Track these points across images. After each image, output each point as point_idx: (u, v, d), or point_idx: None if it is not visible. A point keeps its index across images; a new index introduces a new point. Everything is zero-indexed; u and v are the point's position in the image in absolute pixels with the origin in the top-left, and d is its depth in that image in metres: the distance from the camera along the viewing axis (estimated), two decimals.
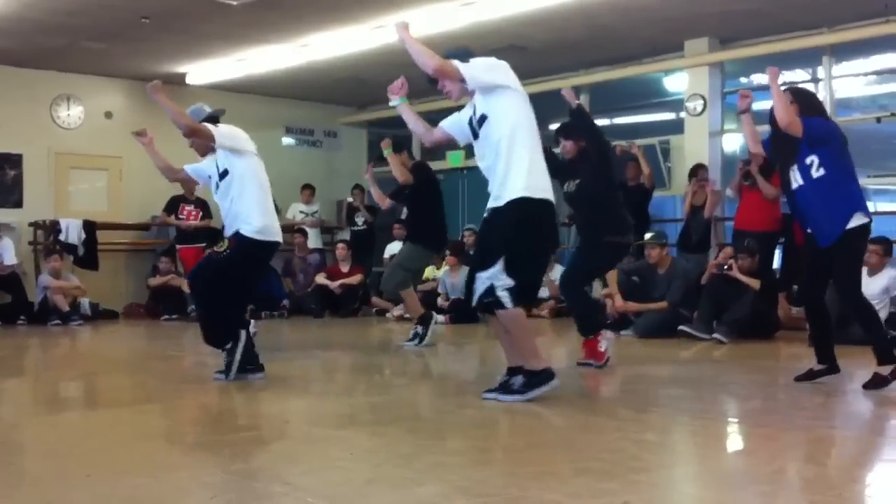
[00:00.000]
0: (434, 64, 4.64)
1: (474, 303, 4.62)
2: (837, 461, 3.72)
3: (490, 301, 4.56)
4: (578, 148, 6.24)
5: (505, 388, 4.68)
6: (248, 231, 5.46)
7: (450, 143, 5.30)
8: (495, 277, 4.52)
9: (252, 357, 5.58)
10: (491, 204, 4.70)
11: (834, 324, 6.69)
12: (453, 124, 4.97)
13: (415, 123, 5.14)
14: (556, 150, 6.38)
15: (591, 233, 6.21)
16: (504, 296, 4.51)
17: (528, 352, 4.67)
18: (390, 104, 5.19)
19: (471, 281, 4.66)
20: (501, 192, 4.60)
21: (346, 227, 13.02)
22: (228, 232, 5.59)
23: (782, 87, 5.16)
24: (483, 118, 4.67)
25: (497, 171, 4.61)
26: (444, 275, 10.78)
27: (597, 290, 10.11)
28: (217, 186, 5.59)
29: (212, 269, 5.52)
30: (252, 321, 6.90)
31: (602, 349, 6.02)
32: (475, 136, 4.76)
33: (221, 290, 5.49)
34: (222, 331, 5.52)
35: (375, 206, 12.75)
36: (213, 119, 5.62)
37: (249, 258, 5.57)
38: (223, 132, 5.50)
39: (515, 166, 4.56)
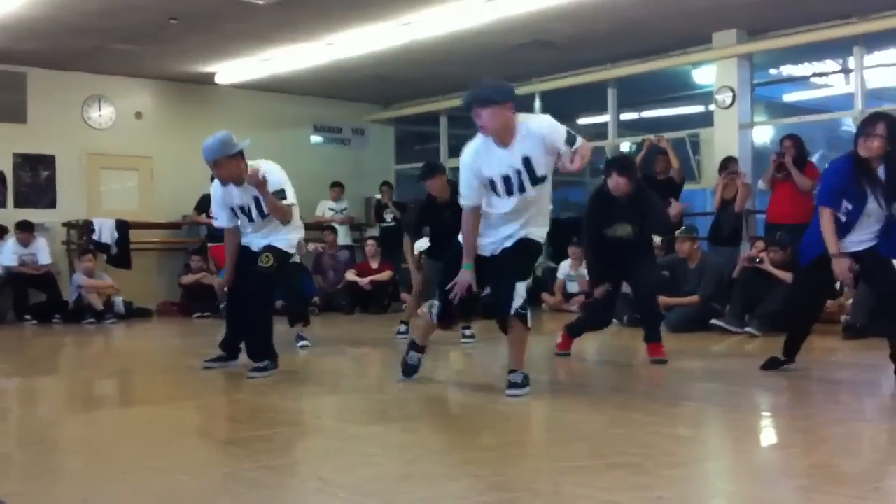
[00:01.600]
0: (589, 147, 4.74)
1: (512, 311, 4.70)
2: (873, 455, 3.69)
3: (524, 313, 4.73)
4: (631, 187, 5.92)
5: (512, 385, 4.78)
6: (284, 245, 5.69)
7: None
8: (525, 292, 4.75)
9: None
10: (502, 243, 4.80)
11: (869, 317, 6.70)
12: (479, 195, 4.79)
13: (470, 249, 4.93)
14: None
15: (648, 257, 6.24)
16: (527, 313, 4.76)
17: (521, 359, 4.89)
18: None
19: (500, 288, 4.78)
20: (527, 231, 4.80)
21: (375, 224, 13.07)
22: (257, 243, 5.72)
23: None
24: (540, 178, 4.72)
25: (541, 216, 4.86)
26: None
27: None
28: (251, 219, 5.67)
29: (264, 287, 5.64)
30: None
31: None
32: (522, 188, 4.70)
33: (269, 305, 5.76)
34: (269, 344, 5.72)
35: (404, 202, 12.84)
36: (242, 152, 5.58)
37: (284, 270, 5.83)
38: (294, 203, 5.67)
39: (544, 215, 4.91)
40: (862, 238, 5.09)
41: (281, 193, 5.50)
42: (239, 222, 5.75)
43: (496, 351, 6.43)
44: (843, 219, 5.05)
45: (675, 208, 6.03)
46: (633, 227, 5.96)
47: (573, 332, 6.45)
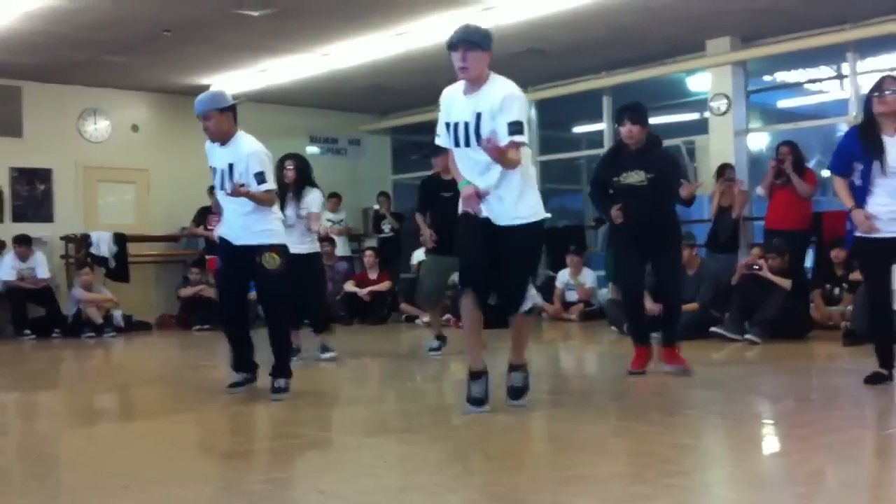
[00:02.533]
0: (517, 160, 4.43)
1: (527, 307, 4.60)
2: (874, 462, 3.69)
3: (530, 309, 4.63)
4: (645, 135, 5.78)
5: (516, 392, 4.66)
6: (280, 239, 5.45)
7: None
8: (532, 290, 4.63)
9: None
10: (504, 221, 4.51)
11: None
12: (443, 131, 4.66)
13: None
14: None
15: (672, 230, 5.94)
16: (533, 306, 4.66)
17: (523, 352, 4.77)
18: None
19: (506, 295, 4.62)
20: (519, 209, 4.50)
21: (373, 235, 13.07)
22: (241, 233, 5.41)
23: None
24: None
25: (512, 186, 4.48)
26: None
27: (606, 294, 10.06)
28: (222, 186, 5.41)
29: (278, 292, 5.43)
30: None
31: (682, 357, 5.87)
32: (458, 142, 4.50)
33: (284, 309, 5.54)
34: (287, 350, 5.55)
35: (401, 212, 12.86)
36: (234, 109, 5.50)
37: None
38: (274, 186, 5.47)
39: (531, 184, 4.57)
40: (893, 209, 5.06)
41: (261, 177, 5.33)
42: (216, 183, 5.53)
43: (496, 362, 6.43)
44: (859, 182, 5.08)
45: (686, 189, 5.88)
46: (648, 173, 5.72)
47: (639, 338, 5.99)
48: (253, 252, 5.33)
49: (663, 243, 5.83)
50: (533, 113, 12.09)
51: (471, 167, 4.51)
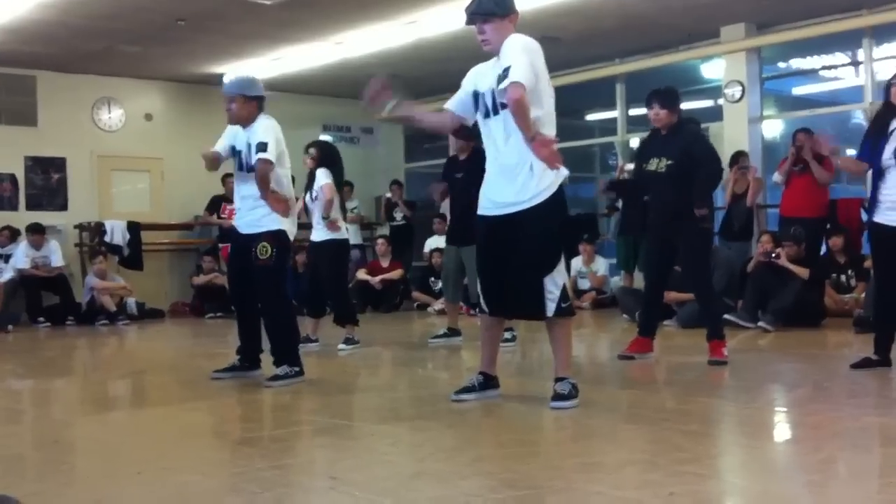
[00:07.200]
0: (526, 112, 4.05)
1: (552, 312, 4.26)
2: (886, 450, 3.67)
3: (567, 306, 4.32)
4: (675, 118, 5.70)
5: (557, 397, 4.31)
6: (276, 225, 5.39)
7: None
8: (560, 276, 4.30)
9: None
10: (516, 207, 4.23)
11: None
12: (459, 103, 4.44)
13: (422, 117, 4.67)
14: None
15: (691, 221, 5.63)
16: (567, 305, 4.35)
17: (569, 362, 4.48)
18: (383, 113, 4.61)
19: (522, 288, 4.30)
20: (530, 188, 4.22)
21: (386, 223, 13.08)
22: (248, 221, 5.43)
23: None
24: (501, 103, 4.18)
25: (530, 163, 4.17)
26: None
27: (618, 282, 10.06)
28: (241, 167, 5.42)
29: (270, 283, 5.39)
30: None
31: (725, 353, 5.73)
32: (495, 111, 4.23)
33: (282, 297, 5.49)
34: (289, 345, 5.46)
35: (414, 201, 12.86)
36: (260, 100, 5.47)
37: (287, 252, 5.55)
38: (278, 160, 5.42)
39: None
40: (893, 199, 5.09)
41: (261, 146, 5.28)
42: (234, 166, 5.53)
43: (506, 349, 6.43)
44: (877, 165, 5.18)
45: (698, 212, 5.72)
46: (667, 160, 5.63)
47: (643, 329, 6.05)
48: (253, 241, 5.38)
49: (686, 233, 5.66)
50: None
51: (494, 138, 4.25)
